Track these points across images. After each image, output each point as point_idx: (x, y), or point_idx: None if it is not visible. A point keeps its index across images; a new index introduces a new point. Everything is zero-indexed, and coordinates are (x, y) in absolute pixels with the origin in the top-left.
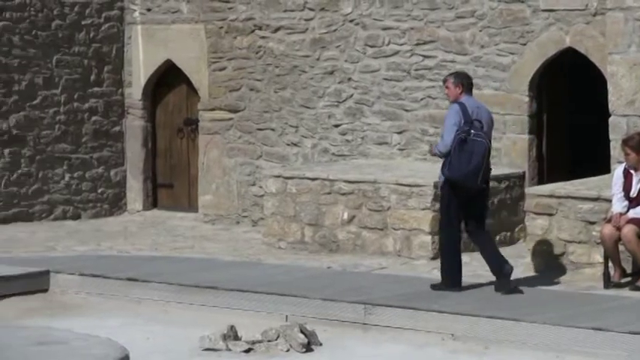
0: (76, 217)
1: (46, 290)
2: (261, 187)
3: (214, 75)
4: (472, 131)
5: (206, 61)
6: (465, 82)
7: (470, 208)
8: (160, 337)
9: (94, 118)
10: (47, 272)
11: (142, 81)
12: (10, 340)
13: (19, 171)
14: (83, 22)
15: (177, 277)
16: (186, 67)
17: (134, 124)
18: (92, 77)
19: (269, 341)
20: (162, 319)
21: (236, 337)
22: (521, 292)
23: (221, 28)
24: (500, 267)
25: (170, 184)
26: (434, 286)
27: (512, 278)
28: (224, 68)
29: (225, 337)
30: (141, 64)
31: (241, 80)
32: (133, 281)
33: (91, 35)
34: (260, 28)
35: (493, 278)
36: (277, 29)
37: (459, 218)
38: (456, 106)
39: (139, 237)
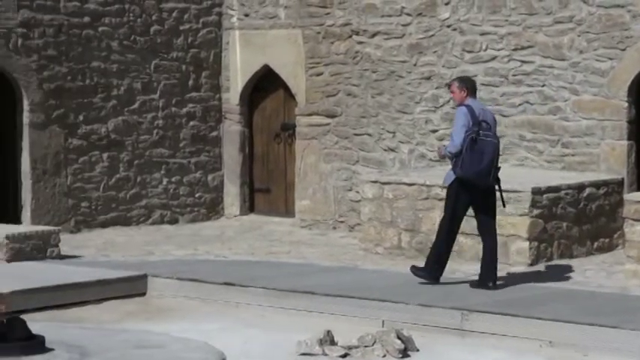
0: (174, 221)
1: (143, 294)
2: (357, 192)
3: (311, 80)
4: (481, 132)
5: (303, 67)
6: (469, 86)
7: (480, 205)
8: (256, 341)
9: (191, 123)
10: (145, 276)
11: (240, 86)
12: (109, 343)
13: (118, 175)
14: (181, 28)
15: (274, 282)
16: (283, 72)
17: (231, 129)
18: (190, 82)
19: (365, 346)
20: (258, 323)
21: (332, 342)
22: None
23: (318, 33)
24: (485, 280)
25: (267, 189)
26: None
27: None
28: (321, 73)
29: (321, 342)
30: (238, 70)
31: (338, 85)
32: (230, 285)
33: (189, 40)
34: (357, 34)
35: (576, 285)
36: (374, 34)
37: (462, 217)
38: (463, 109)
39: (235, 241)
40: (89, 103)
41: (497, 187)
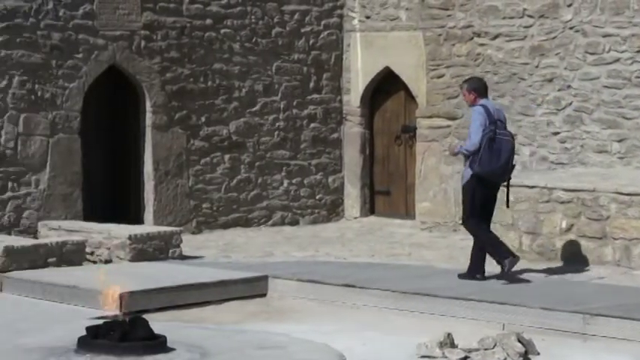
0: (294, 223)
1: (264, 295)
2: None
3: (432, 82)
4: (497, 130)
5: (424, 69)
6: (476, 87)
7: (489, 201)
8: (375, 343)
9: (312, 124)
10: (265, 277)
11: (360, 88)
12: (230, 344)
13: (239, 177)
14: (303, 30)
15: (393, 284)
16: (404, 74)
17: (352, 131)
18: (311, 84)
19: (486, 350)
20: (378, 325)
21: (452, 345)
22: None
23: (440, 35)
24: (474, 271)
25: (387, 191)
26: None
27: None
28: (442, 75)
29: (441, 345)
30: (359, 71)
31: (459, 88)
32: (350, 287)
33: (311, 43)
34: (479, 36)
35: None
36: (496, 36)
37: (479, 211)
38: (479, 109)
39: (356, 243)
40: (211, 105)
41: (507, 185)
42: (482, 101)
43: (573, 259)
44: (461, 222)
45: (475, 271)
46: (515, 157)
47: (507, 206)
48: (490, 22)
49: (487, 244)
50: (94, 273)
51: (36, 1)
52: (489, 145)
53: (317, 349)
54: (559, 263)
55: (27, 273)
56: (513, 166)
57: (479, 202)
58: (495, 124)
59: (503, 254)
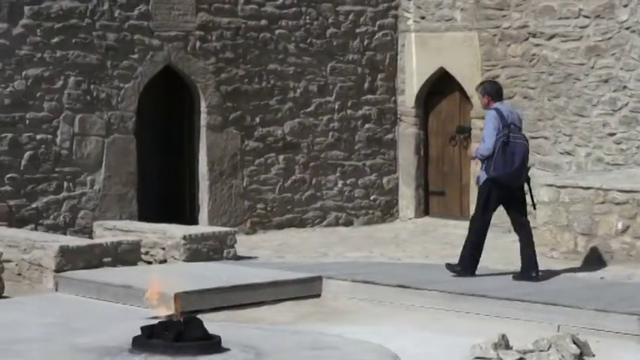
0: (349, 223)
1: (318, 295)
2: (533, 195)
3: None
4: (511, 134)
5: (479, 69)
6: (490, 91)
7: (512, 203)
8: (430, 344)
9: (367, 125)
10: (319, 278)
11: (415, 89)
12: (284, 344)
13: (293, 177)
14: (357, 31)
15: (448, 285)
16: (459, 74)
17: (407, 132)
18: (366, 85)
19: (540, 351)
20: (432, 326)
21: (507, 347)
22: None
23: (495, 35)
24: (528, 271)
25: (442, 192)
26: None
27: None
28: (497, 76)
29: (496, 346)
30: (414, 72)
31: (514, 88)
32: (404, 288)
33: (365, 43)
34: (534, 36)
35: None
36: (551, 37)
37: (492, 214)
38: (493, 112)
39: (410, 244)
40: (265, 106)
41: (528, 187)
42: (496, 104)
43: (629, 260)
44: (471, 218)
45: (529, 270)
46: (571, 158)
47: (534, 208)
48: (546, 22)
49: (469, 243)
50: (149, 273)
51: (91, 2)
52: (503, 149)
53: (371, 350)
54: (614, 264)
55: (82, 273)
56: (528, 169)
57: (494, 205)
58: (509, 128)
59: (470, 266)
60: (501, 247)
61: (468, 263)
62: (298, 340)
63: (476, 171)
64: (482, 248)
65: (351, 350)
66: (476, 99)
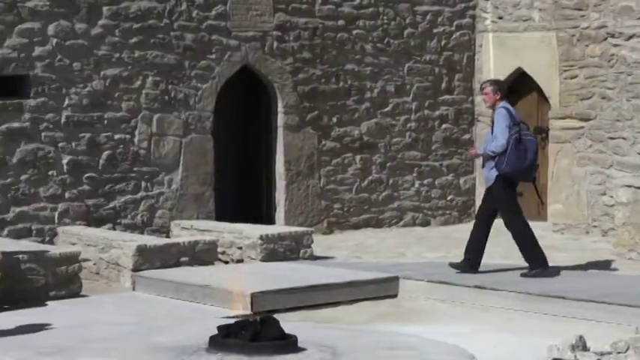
0: (425, 224)
1: (395, 296)
2: (611, 196)
3: (565, 83)
4: (522, 132)
5: (557, 69)
6: (502, 89)
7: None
8: (506, 345)
9: (444, 125)
10: (396, 278)
11: None
12: (360, 344)
13: (370, 177)
14: (435, 31)
15: (524, 286)
16: (536, 75)
17: (484, 132)
18: (443, 85)
19: (618, 353)
20: (509, 327)
21: (584, 348)
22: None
23: (573, 36)
24: (537, 264)
25: (519, 193)
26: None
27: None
28: (575, 76)
29: (573, 348)
30: (491, 72)
31: (593, 89)
32: (481, 289)
33: (443, 43)
34: (613, 36)
35: None
36: (630, 37)
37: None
38: (503, 111)
39: (487, 245)
40: (342, 106)
41: (534, 185)
42: (504, 103)
43: None
44: (505, 224)
45: (537, 263)
46: None
47: (542, 202)
48: (624, 22)
49: (530, 247)
50: (225, 273)
51: (169, 2)
52: (516, 146)
53: (448, 351)
54: None
55: (159, 272)
56: (537, 165)
57: (515, 199)
58: (519, 126)
59: (544, 263)
60: (580, 247)
61: (541, 261)
62: (374, 340)
63: (557, 170)
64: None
65: (427, 350)
66: (555, 99)
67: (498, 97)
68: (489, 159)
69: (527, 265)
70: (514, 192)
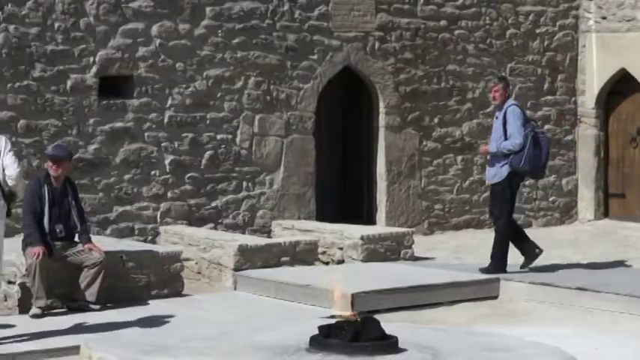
0: (527, 225)
1: (495, 297)
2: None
3: None
4: (536, 129)
5: None
6: (509, 86)
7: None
8: (608, 348)
9: (546, 126)
10: (497, 280)
11: (596, 90)
12: (461, 345)
13: (471, 178)
14: (537, 31)
15: (627, 288)
16: None
17: (586, 133)
18: (545, 86)
19: None
20: (611, 329)
21: None
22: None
23: None
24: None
25: (622, 194)
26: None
27: None
28: None
29: None
30: (594, 73)
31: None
32: (583, 291)
33: (545, 44)
34: None
35: None
36: None
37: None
38: (517, 109)
39: (589, 246)
40: (444, 106)
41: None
42: (513, 101)
43: None
44: (493, 220)
45: (498, 263)
46: None
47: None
48: None
49: (500, 247)
50: (326, 272)
51: (272, 3)
52: (534, 144)
53: (548, 353)
54: None
55: (260, 272)
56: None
57: (513, 201)
58: (530, 124)
59: (503, 267)
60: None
61: (502, 263)
62: (475, 342)
63: None
64: (508, 247)
65: (527, 352)
66: None
67: (507, 95)
68: (502, 156)
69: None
70: (517, 189)
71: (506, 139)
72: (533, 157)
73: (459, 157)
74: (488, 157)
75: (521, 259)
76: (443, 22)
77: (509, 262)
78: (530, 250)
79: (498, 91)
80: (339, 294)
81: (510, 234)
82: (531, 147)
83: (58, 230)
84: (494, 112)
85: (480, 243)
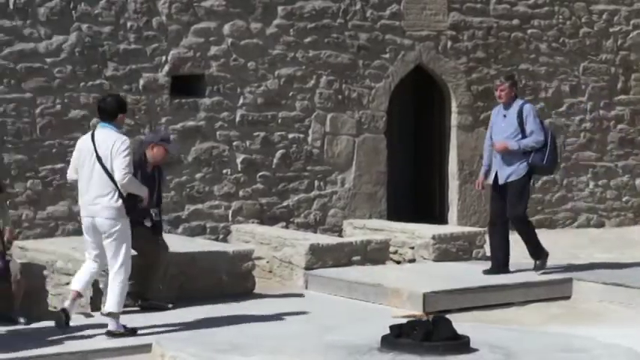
0: (600, 225)
1: (568, 297)
2: None
3: None
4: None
5: None
6: (517, 86)
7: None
8: None
9: (619, 126)
10: (569, 280)
11: None
12: (533, 346)
13: (544, 178)
14: (611, 30)
15: None
16: None
17: None
18: (619, 85)
19: None
20: None
21: None
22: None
23: None
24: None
25: None
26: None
27: None
28: None
29: None
30: None
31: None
32: None
33: (619, 43)
34: None
35: None
36: None
37: None
38: (532, 106)
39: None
40: None
41: None
42: (523, 99)
43: None
44: (514, 218)
45: (545, 256)
46: None
47: None
48: None
49: (534, 238)
50: (398, 272)
51: (344, 2)
52: (553, 141)
53: (621, 353)
54: None
55: (332, 271)
56: None
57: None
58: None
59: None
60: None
61: (544, 256)
62: (547, 342)
63: None
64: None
65: (600, 353)
66: None
67: (514, 93)
68: (522, 153)
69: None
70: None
71: (523, 137)
72: (553, 155)
73: None
74: (497, 157)
75: (521, 261)
76: (515, 21)
77: (510, 260)
78: (503, 264)
79: (504, 90)
80: (409, 294)
81: (530, 225)
82: (551, 144)
83: (153, 214)
84: (587, 112)
85: (552, 243)
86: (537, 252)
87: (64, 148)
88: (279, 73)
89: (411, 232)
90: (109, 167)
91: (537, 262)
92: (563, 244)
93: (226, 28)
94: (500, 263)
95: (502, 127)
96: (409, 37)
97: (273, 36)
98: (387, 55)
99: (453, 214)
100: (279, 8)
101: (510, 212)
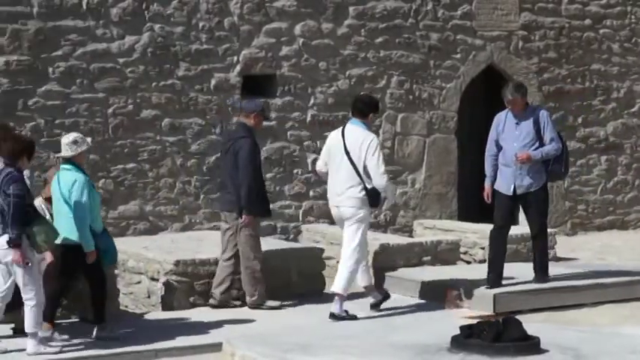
0: None
1: (639, 299)
2: None
3: None
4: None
5: None
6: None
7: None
8: None
9: None
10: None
11: None
12: (603, 347)
13: (616, 178)
14: None
15: None
16: None
17: None
18: None
19: None
20: None
21: None
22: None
23: None
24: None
25: None
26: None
27: None
28: None
29: None
30: None
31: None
32: None
33: None
34: None
35: None
36: None
37: None
38: (548, 113)
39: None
40: (588, 106)
41: None
42: (536, 105)
43: None
44: (540, 228)
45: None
46: None
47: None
48: None
49: (545, 249)
50: (468, 272)
51: (415, 2)
52: (566, 147)
53: None
54: None
55: (402, 271)
56: None
57: None
58: None
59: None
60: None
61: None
62: (619, 343)
63: None
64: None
65: None
66: None
67: (526, 102)
68: (542, 162)
69: None
70: None
71: (541, 144)
72: (567, 161)
73: (603, 157)
74: (511, 167)
75: (594, 262)
76: (587, 21)
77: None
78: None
79: (516, 103)
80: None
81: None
82: (566, 152)
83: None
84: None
85: (624, 244)
86: (545, 262)
87: (135, 147)
88: (350, 74)
89: (482, 233)
90: (355, 161)
91: (537, 275)
92: (635, 245)
93: (297, 29)
94: (498, 273)
95: (515, 134)
96: (480, 37)
97: (345, 36)
98: (458, 56)
99: (522, 215)
100: (351, 8)
101: (538, 221)
